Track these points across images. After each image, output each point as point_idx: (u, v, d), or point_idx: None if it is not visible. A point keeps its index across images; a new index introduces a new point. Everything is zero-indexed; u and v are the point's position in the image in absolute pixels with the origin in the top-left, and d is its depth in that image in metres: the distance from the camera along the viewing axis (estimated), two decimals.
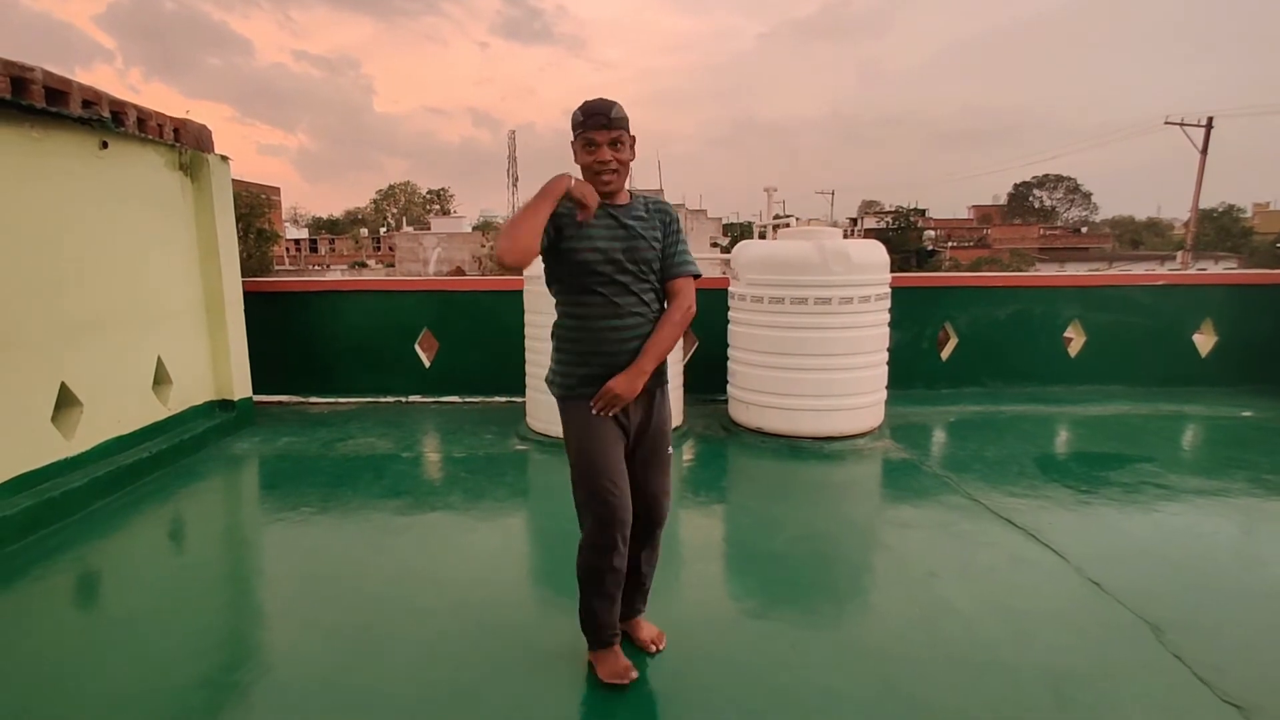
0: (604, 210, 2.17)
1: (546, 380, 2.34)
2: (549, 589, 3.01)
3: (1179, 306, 6.51)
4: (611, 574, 2.23)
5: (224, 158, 5.16)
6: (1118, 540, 3.42)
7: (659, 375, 2.29)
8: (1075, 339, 6.60)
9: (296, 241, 62.90)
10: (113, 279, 4.19)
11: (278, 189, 49.25)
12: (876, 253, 5.02)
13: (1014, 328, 6.51)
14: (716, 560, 3.40)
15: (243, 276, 5.48)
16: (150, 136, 4.48)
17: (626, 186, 2.26)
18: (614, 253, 2.14)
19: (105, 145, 4.11)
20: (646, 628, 2.50)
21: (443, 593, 2.96)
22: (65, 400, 3.82)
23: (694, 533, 3.69)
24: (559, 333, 2.28)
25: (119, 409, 4.21)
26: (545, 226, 2.05)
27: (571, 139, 2.18)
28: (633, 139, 2.18)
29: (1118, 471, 4.37)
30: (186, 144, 4.86)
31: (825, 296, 4.76)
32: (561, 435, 2.30)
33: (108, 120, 4.01)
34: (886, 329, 5.11)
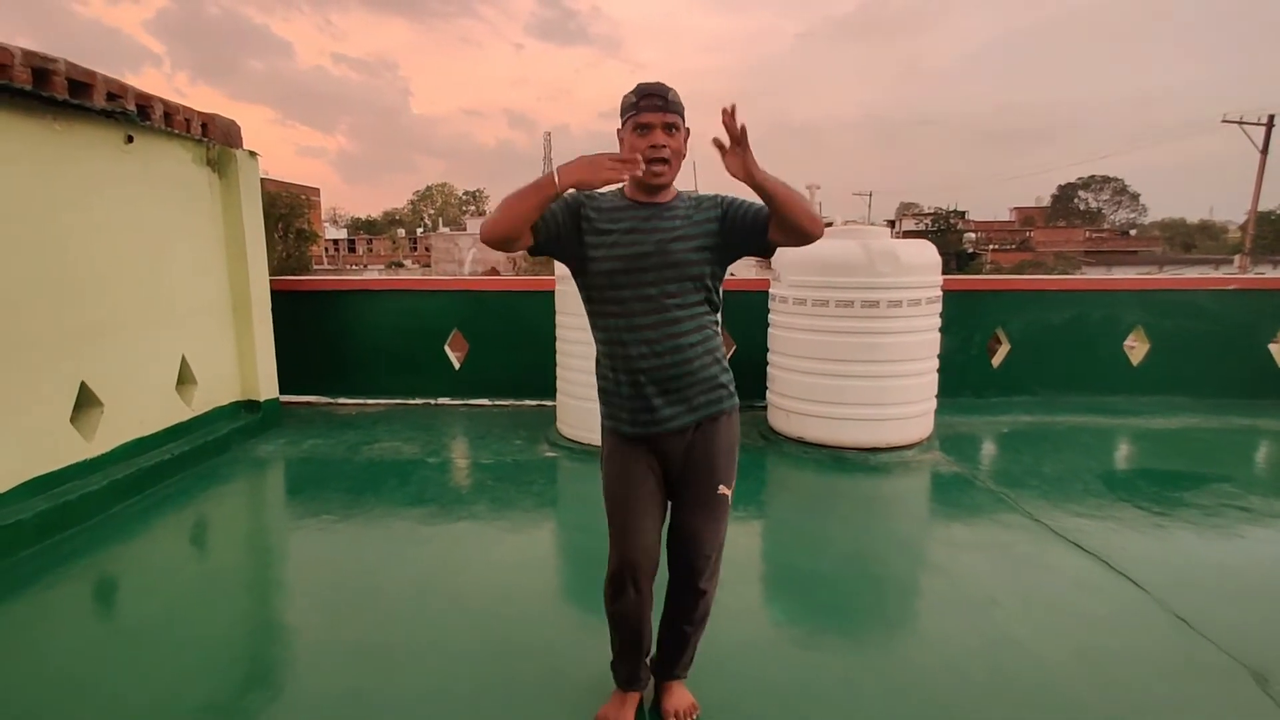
0: (638, 208, 1.92)
1: None
2: (578, 609, 2.81)
3: (1252, 313, 6.09)
4: (620, 617, 2.06)
5: (252, 153, 5.06)
6: (1201, 569, 3.11)
7: (708, 400, 1.97)
8: (1138, 346, 6.21)
9: (335, 242, 63.95)
10: (137, 276, 4.10)
11: (317, 190, 50.12)
12: (927, 253, 4.74)
13: (1070, 334, 6.15)
14: (759, 581, 3.17)
15: (282, 276, 5.40)
16: (177, 131, 4.39)
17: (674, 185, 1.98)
18: (644, 259, 1.87)
19: (130, 139, 4.02)
20: (675, 696, 2.17)
21: (464, 611, 2.78)
22: (85, 400, 3.73)
23: (734, 550, 3.41)
24: (597, 359, 2.05)
25: (141, 409, 4.12)
26: (557, 229, 1.89)
27: (619, 125, 1.92)
28: (687, 131, 1.92)
29: (1192, 491, 4.03)
30: (215, 139, 4.77)
31: (873, 299, 4.49)
32: (591, 441, 2.10)
33: (132, 113, 3.92)
34: (937, 334, 4.82)
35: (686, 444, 1.98)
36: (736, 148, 1.73)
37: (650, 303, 1.89)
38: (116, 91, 3.85)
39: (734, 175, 1.76)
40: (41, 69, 3.40)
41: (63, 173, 3.60)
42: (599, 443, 2.12)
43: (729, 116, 1.70)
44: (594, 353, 2.07)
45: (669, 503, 2.05)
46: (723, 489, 2.01)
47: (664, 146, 1.85)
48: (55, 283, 3.55)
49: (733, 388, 2.05)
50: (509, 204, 1.79)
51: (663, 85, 1.87)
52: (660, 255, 1.88)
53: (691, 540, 2.01)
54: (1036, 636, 2.58)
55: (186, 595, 2.94)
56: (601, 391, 2.04)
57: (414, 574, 3.09)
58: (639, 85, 1.89)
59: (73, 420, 3.65)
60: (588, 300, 2.01)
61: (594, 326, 2.01)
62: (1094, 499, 3.93)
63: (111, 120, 3.86)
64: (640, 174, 1.77)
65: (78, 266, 3.69)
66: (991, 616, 2.73)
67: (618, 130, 1.94)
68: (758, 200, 1.88)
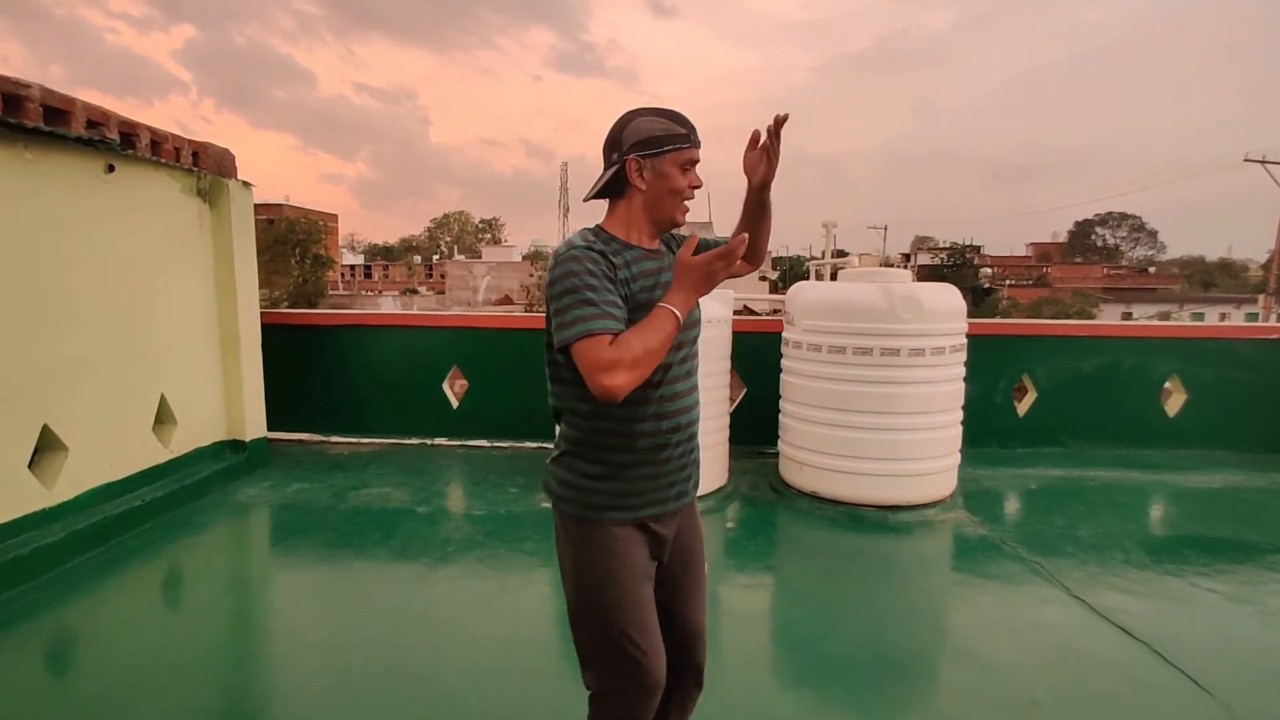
0: (651, 257, 1.66)
1: (553, 492, 1.70)
2: (565, 700, 2.50)
3: None
4: None
5: (246, 184, 4.88)
6: (1269, 665, 2.75)
7: (697, 461, 1.80)
8: (1174, 396, 5.87)
9: (351, 267, 64.44)
10: (113, 311, 3.88)
11: (335, 215, 50.69)
12: (951, 299, 4.45)
13: (1101, 382, 5.81)
14: (764, 665, 2.85)
15: (296, 300, 5.20)
16: (165, 160, 4.20)
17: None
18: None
19: (112, 169, 3.83)
20: None
21: (439, 701, 2.47)
22: (47, 444, 3.49)
23: (738, 623, 3.14)
24: (586, 437, 1.65)
25: (111, 452, 3.87)
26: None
27: (645, 153, 1.59)
28: None
29: (1248, 565, 3.68)
30: (206, 169, 4.59)
31: (893, 347, 4.20)
32: None
33: (113, 142, 3.73)
34: (962, 385, 4.51)
35: (680, 521, 1.76)
36: (775, 152, 1.68)
37: (684, 365, 1.70)
38: (98, 119, 3.67)
39: (754, 175, 1.70)
40: (13, 95, 3.22)
41: (32, 204, 3.40)
42: None
43: (779, 125, 1.65)
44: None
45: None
46: (706, 566, 1.87)
47: (696, 188, 1.68)
48: (18, 318, 3.32)
49: None
50: (659, 347, 1.48)
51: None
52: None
53: (697, 636, 1.82)
54: None
55: (136, 667, 2.66)
56: (596, 478, 1.64)
57: (384, 650, 2.79)
58: (671, 112, 1.64)
59: (31, 466, 3.40)
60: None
61: (601, 409, 1.61)
62: (1137, 570, 3.59)
63: (91, 149, 3.67)
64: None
65: (46, 301, 3.47)
66: None
67: (637, 158, 1.60)
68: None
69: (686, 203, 1.68)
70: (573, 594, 1.67)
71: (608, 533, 1.64)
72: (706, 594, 1.86)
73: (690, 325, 1.68)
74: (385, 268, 67.75)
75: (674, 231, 1.78)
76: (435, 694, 2.51)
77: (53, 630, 2.94)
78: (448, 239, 71.52)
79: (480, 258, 47.41)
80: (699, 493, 1.91)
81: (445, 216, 74.77)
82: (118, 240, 3.92)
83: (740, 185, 1.75)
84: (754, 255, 1.78)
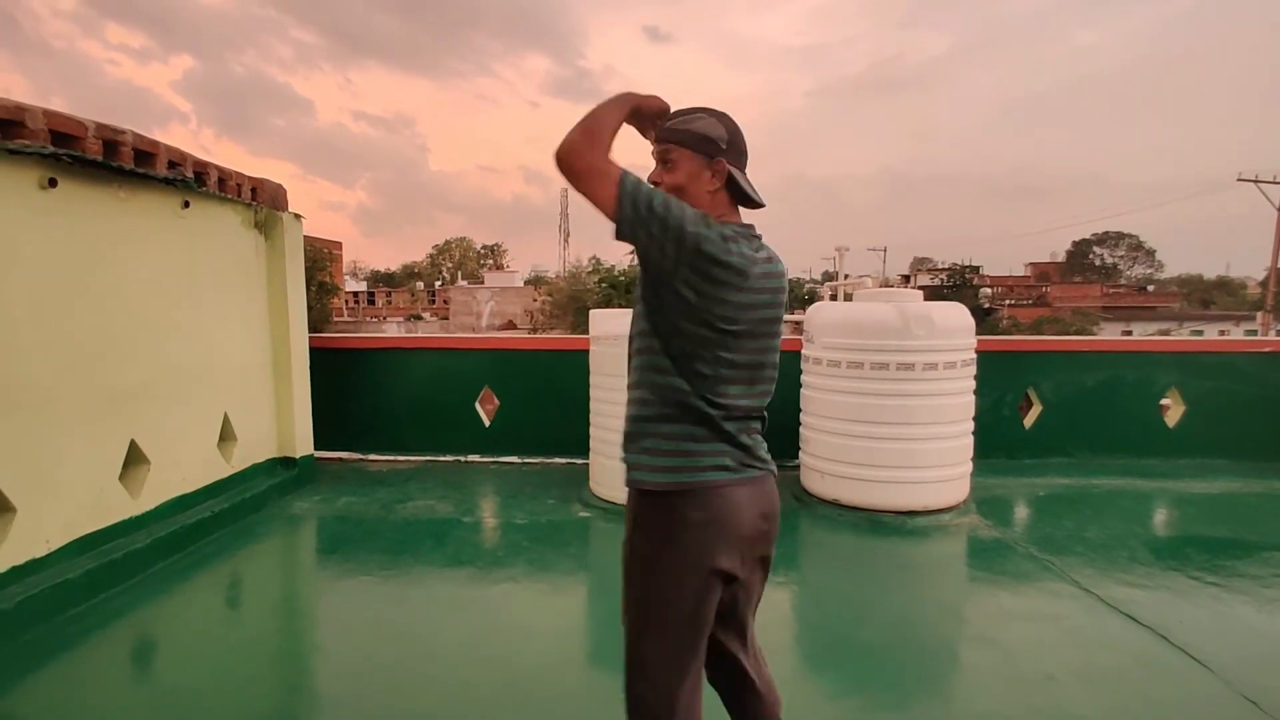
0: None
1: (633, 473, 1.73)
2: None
3: None
4: None
5: (297, 216, 5.21)
6: (1265, 646, 3.02)
7: None
8: (1174, 408, 6.15)
9: (355, 294, 64.90)
10: (188, 335, 4.19)
11: (340, 244, 51.17)
12: (961, 316, 4.76)
13: (1104, 395, 6.10)
14: (803, 650, 3.11)
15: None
16: (229, 196, 4.54)
17: None
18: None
19: (187, 205, 4.16)
20: None
21: (510, 685, 2.73)
22: (134, 457, 3.78)
23: (774, 615, 3.39)
24: (684, 400, 1.64)
25: (185, 466, 4.16)
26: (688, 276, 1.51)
27: None
28: (706, 158, 1.64)
29: (1245, 561, 3.94)
30: (263, 202, 4.92)
31: (908, 362, 4.50)
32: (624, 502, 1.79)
33: (191, 181, 4.06)
34: (972, 397, 4.81)
35: (765, 557, 1.81)
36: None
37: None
38: (176, 159, 4.00)
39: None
40: (111, 140, 3.54)
41: (124, 239, 3.72)
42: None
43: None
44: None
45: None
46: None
47: (660, 182, 1.63)
48: (112, 343, 3.63)
49: None
50: (612, 119, 1.54)
51: (663, 106, 1.68)
52: None
53: (759, 659, 1.88)
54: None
55: (225, 659, 2.93)
56: (689, 437, 1.62)
57: (455, 642, 3.06)
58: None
59: (121, 477, 3.68)
60: (718, 345, 1.59)
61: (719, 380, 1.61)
62: (1143, 567, 3.85)
63: (171, 187, 3.99)
64: None
65: (133, 327, 3.78)
66: (1051, 695, 2.66)
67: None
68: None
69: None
70: (631, 608, 1.87)
71: (708, 500, 1.71)
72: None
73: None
74: (388, 294, 68.21)
75: None
76: (513, 675, 2.77)
77: (143, 628, 3.20)
78: (450, 265, 72.11)
79: (483, 283, 47.87)
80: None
81: (447, 243, 75.42)
82: (190, 270, 4.24)
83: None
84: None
